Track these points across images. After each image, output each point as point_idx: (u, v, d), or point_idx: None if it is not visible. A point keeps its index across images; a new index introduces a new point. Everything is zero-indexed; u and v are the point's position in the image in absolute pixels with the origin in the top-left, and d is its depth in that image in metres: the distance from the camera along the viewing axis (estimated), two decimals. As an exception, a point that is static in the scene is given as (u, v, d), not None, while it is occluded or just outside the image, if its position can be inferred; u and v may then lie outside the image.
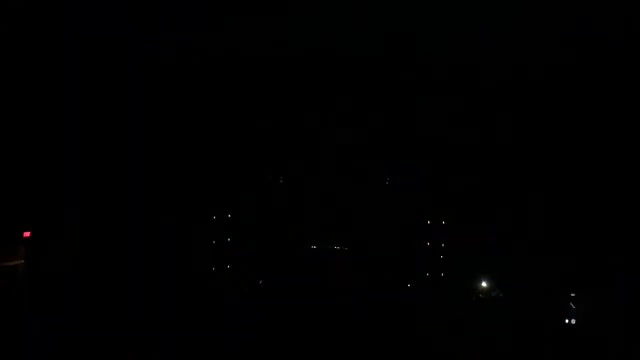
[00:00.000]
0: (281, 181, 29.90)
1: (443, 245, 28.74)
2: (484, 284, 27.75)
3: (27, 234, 27.86)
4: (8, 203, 27.96)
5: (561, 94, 29.03)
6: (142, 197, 28.77)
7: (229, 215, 29.49)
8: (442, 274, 28.28)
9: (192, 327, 26.12)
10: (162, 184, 29.08)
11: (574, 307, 26.90)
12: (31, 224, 27.87)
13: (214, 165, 29.82)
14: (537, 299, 27.00)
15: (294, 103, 29.81)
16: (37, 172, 28.42)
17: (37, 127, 27.99)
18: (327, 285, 28.37)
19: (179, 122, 29.36)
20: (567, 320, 26.64)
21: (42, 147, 28.56)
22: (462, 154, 28.92)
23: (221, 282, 28.82)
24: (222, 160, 29.70)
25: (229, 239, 29.22)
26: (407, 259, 28.68)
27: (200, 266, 28.83)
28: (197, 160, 29.67)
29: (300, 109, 29.74)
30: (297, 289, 28.20)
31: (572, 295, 27.01)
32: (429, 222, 28.71)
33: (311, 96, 29.62)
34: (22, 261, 27.63)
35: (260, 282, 28.69)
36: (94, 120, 28.65)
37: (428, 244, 28.66)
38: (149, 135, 28.96)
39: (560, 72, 28.65)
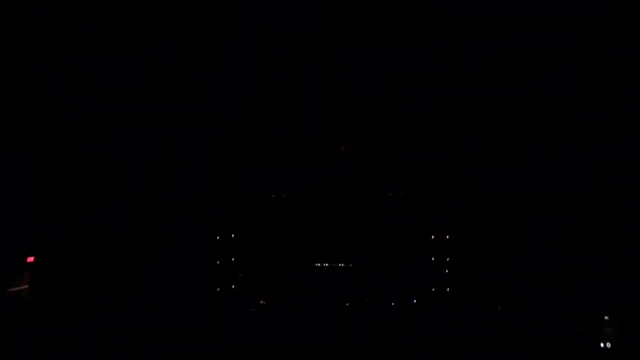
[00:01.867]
0: (283, 196, 29.82)
1: (448, 260, 28.59)
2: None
3: (31, 259, 28.17)
4: (12, 227, 27.86)
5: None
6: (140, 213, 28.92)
7: (233, 235, 29.45)
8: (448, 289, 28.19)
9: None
10: (159, 203, 29.10)
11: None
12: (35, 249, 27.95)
13: (215, 181, 29.80)
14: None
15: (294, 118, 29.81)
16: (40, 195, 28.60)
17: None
18: (328, 301, 28.34)
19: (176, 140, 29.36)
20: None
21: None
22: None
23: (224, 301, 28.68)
24: (225, 175, 29.73)
25: (232, 259, 29.22)
26: (411, 274, 28.57)
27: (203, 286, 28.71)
28: (197, 176, 29.67)
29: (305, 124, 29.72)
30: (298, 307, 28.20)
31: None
32: (433, 237, 28.57)
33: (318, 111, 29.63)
34: (27, 286, 27.87)
35: (262, 302, 28.63)
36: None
37: (433, 259, 28.58)
38: (146, 161, 29.10)
39: None
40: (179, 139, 29.21)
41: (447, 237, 28.46)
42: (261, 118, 29.87)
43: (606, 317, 26.71)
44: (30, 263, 27.45)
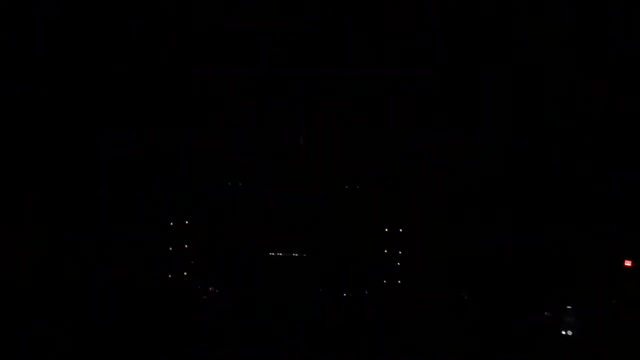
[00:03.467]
0: (240, 185, 29.48)
1: (400, 252, 28.19)
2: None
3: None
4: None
5: None
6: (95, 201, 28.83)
7: (187, 222, 29.09)
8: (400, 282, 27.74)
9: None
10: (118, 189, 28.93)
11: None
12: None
13: (171, 167, 29.65)
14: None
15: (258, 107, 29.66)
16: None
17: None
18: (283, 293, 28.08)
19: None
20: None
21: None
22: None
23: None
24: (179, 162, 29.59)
25: (186, 246, 28.81)
26: (365, 266, 28.24)
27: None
28: (151, 162, 29.48)
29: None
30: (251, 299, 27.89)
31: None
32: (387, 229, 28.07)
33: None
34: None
35: (212, 289, 28.15)
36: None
37: (386, 251, 28.21)
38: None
39: None
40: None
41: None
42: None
43: (569, 307, 26.68)
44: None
